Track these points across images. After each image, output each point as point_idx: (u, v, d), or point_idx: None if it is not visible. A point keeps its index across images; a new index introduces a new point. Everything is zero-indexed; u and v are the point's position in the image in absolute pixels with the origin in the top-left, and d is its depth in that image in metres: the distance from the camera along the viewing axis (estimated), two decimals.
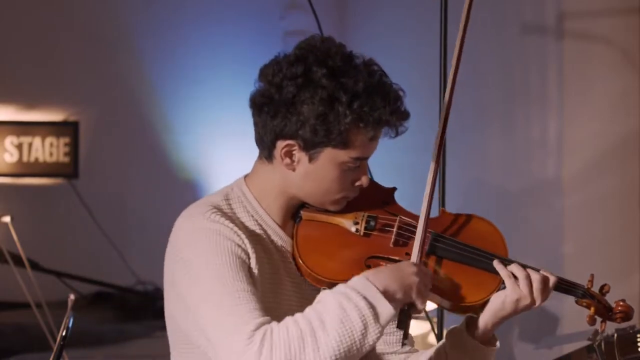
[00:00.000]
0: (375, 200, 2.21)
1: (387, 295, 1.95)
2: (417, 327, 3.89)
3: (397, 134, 2.12)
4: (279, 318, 2.00)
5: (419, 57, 5.18)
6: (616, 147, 4.46)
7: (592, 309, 2.19)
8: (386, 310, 1.93)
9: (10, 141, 5.95)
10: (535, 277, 2.11)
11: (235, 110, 5.74)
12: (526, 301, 2.11)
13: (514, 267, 2.13)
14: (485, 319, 2.13)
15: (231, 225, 2.06)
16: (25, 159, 5.96)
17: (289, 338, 1.91)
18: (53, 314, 4.16)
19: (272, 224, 2.15)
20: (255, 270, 2.06)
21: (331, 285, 2.07)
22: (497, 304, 2.12)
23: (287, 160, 2.09)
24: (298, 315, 1.95)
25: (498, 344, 2.18)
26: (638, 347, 2.80)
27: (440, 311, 2.94)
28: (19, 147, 5.96)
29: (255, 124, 2.13)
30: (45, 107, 6.02)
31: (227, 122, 5.86)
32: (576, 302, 2.21)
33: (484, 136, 5.00)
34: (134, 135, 6.07)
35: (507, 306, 2.11)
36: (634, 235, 4.44)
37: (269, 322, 1.95)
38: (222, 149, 5.88)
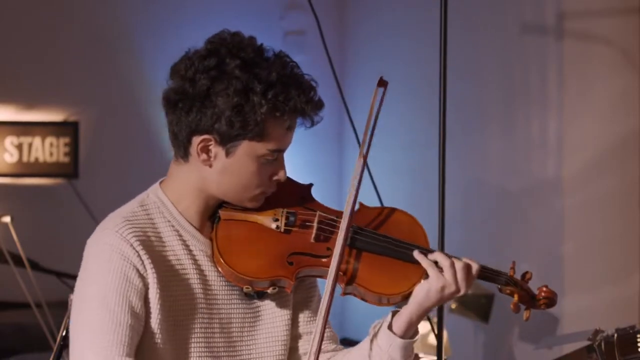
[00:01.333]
0: (293, 196, 2.19)
1: None
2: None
3: (312, 124, 2.11)
4: (197, 325, 2.04)
5: (419, 57, 5.18)
6: (616, 147, 4.46)
7: (516, 296, 2.19)
8: None
9: (10, 141, 5.95)
10: (459, 265, 2.10)
11: None
12: (451, 289, 2.09)
13: (436, 256, 2.12)
14: (410, 310, 2.11)
15: (137, 244, 2.04)
16: (25, 159, 5.96)
17: None
18: (53, 314, 4.16)
19: (190, 228, 2.13)
20: (156, 294, 2.03)
21: (253, 283, 2.08)
22: (422, 294, 2.10)
23: (204, 155, 2.08)
24: None
25: (418, 336, 2.15)
26: (638, 347, 2.80)
27: (440, 311, 2.93)
28: (19, 147, 5.96)
29: (169, 123, 2.11)
30: (45, 107, 6.02)
31: None
32: (499, 289, 2.20)
33: (484, 136, 5.00)
34: (134, 135, 6.06)
35: (432, 295, 2.10)
36: (634, 235, 4.44)
37: None
38: None
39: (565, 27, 4.58)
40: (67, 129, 5.99)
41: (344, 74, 5.59)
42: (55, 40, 5.95)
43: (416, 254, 2.13)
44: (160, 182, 2.19)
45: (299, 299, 2.23)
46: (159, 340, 2.04)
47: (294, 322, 2.22)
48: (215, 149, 2.07)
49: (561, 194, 4.59)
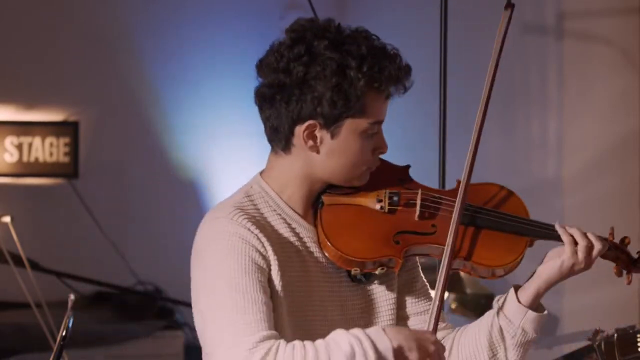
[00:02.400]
0: (392, 178, 2.23)
1: (400, 353, 1.95)
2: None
3: (405, 90, 2.15)
4: (311, 310, 2.06)
5: (419, 57, 5.17)
6: (616, 147, 4.46)
7: (618, 261, 2.24)
8: None
9: (10, 141, 5.94)
10: (597, 246, 2.15)
11: (235, 110, 5.74)
12: (580, 266, 2.14)
13: (574, 232, 2.16)
14: (538, 283, 2.15)
15: (253, 228, 2.06)
16: (25, 159, 5.96)
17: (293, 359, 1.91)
18: (53, 314, 4.16)
19: (295, 216, 2.15)
20: (278, 276, 2.06)
21: (362, 264, 2.10)
22: (554, 269, 2.14)
23: (311, 142, 2.10)
24: (308, 343, 1.95)
25: (546, 311, 2.17)
26: (638, 347, 2.80)
27: (438, 311, 2.92)
28: (19, 147, 5.96)
29: (267, 118, 2.12)
30: (45, 107, 6.01)
31: (228, 121, 5.86)
32: (601, 256, 2.21)
33: (483, 136, 4.99)
34: (134, 135, 6.06)
35: (564, 270, 2.14)
36: (634, 235, 4.43)
37: (276, 338, 1.96)
38: (222, 149, 5.87)
39: (565, 27, 4.57)
40: (67, 129, 5.99)
41: None
42: (55, 40, 5.94)
43: (558, 227, 2.18)
44: (261, 173, 2.19)
45: (403, 281, 2.25)
46: (280, 321, 2.05)
47: (400, 304, 2.24)
48: (320, 133, 2.09)
49: (561, 194, 4.59)
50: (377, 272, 2.14)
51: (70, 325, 2.67)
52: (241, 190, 2.17)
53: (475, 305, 4.42)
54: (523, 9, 4.82)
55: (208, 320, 2.02)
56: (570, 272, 2.14)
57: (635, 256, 2.25)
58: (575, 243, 2.14)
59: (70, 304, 2.67)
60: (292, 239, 2.12)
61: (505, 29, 2.24)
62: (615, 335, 2.83)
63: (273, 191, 2.15)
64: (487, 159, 4.99)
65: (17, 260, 4.31)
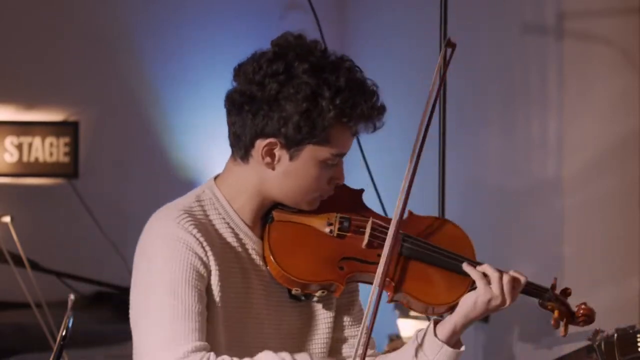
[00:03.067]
0: (345, 201, 2.20)
1: None
2: (418, 326, 3.89)
3: (374, 129, 2.13)
4: (247, 322, 2.05)
5: (419, 57, 5.18)
6: (616, 147, 4.46)
7: (557, 312, 2.21)
8: None
9: (10, 141, 5.95)
10: (507, 278, 2.11)
11: None
12: (497, 301, 2.11)
13: (485, 268, 2.13)
14: (454, 320, 2.12)
15: (199, 235, 2.05)
16: (25, 159, 5.96)
17: None
18: (53, 314, 4.16)
19: (243, 226, 2.14)
20: (217, 284, 2.05)
21: (304, 286, 2.10)
22: (469, 304, 2.11)
23: (268, 159, 2.09)
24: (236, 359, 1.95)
25: (463, 347, 2.16)
26: (638, 347, 2.79)
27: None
28: (19, 147, 5.96)
29: (232, 124, 2.12)
30: (45, 107, 6.02)
31: None
32: (540, 304, 2.21)
33: (483, 136, 5.00)
34: (134, 135, 6.06)
35: (479, 307, 2.11)
36: (634, 235, 4.43)
37: (207, 350, 1.96)
38: (222, 149, 5.86)
39: (565, 27, 4.57)
40: (67, 129, 5.99)
41: None
42: (55, 40, 5.95)
43: (465, 266, 2.15)
44: (215, 178, 2.20)
45: (343, 302, 2.25)
46: (214, 331, 2.05)
47: (337, 325, 2.24)
48: (279, 153, 2.08)
49: (561, 194, 4.59)
50: (317, 294, 2.14)
51: (70, 325, 2.66)
52: (193, 194, 2.17)
53: None
54: (523, 9, 4.82)
55: (142, 319, 2.02)
56: (487, 307, 2.11)
57: (574, 309, 2.23)
58: (486, 277, 2.12)
59: (70, 304, 2.66)
60: (238, 249, 2.12)
61: (444, 66, 2.19)
62: (615, 335, 2.82)
63: (224, 199, 2.15)
64: (487, 159, 5.00)
65: (17, 260, 4.32)
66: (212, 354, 1.95)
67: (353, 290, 2.27)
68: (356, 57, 2.18)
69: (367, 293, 2.12)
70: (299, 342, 2.17)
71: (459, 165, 4.69)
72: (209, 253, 2.05)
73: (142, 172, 6.03)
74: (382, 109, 2.12)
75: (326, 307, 2.21)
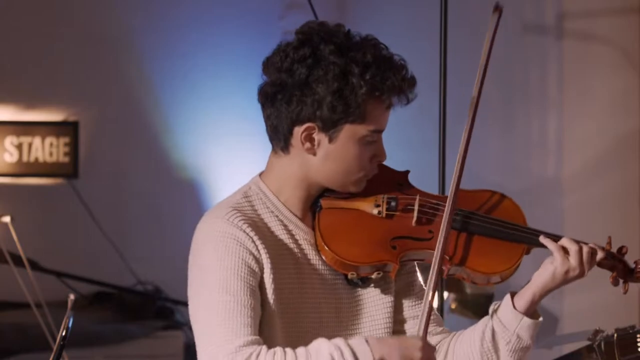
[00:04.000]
0: (391, 183, 2.23)
1: None
2: None
3: (407, 102, 2.15)
4: (304, 313, 2.07)
5: (419, 57, 5.17)
6: (616, 147, 4.46)
7: (615, 270, 2.21)
8: None
9: (10, 141, 5.95)
10: (586, 249, 2.14)
11: (235, 110, 5.75)
12: (575, 272, 2.13)
13: (564, 241, 2.15)
14: (532, 291, 2.14)
15: (249, 230, 2.08)
16: (25, 159, 5.96)
17: None
18: (53, 314, 4.15)
19: (293, 218, 2.16)
20: (270, 279, 2.07)
21: (359, 269, 2.12)
22: (547, 276, 2.13)
23: (308, 144, 2.11)
24: (289, 350, 1.98)
25: (541, 318, 2.18)
26: (638, 347, 2.79)
27: (440, 311, 2.93)
28: (19, 147, 5.96)
29: (268, 117, 2.14)
30: (45, 107, 6.02)
31: (228, 121, 5.86)
32: (598, 264, 2.21)
33: (483, 135, 5.00)
34: (134, 135, 6.06)
35: (557, 278, 2.13)
36: (634, 235, 4.43)
37: (259, 343, 1.98)
38: (222, 149, 5.88)
39: (565, 27, 4.58)
40: (67, 129, 5.99)
41: None
42: (55, 41, 5.95)
43: (542, 239, 2.17)
44: (260, 174, 2.21)
45: (401, 285, 2.25)
46: (269, 324, 2.07)
47: (397, 308, 2.24)
48: (318, 136, 2.10)
49: (561, 193, 4.59)
50: (373, 276, 2.15)
51: (70, 325, 2.67)
52: (240, 191, 2.18)
53: (475, 306, 4.42)
54: (523, 9, 4.83)
55: (198, 317, 2.05)
56: (565, 278, 2.13)
57: (632, 266, 2.24)
58: (565, 249, 2.14)
59: (70, 304, 2.66)
60: (288, 241, 2.13)
61: (493, 33, 2.23)
62: (615, 335, 2.83)
63: (271, 192, 2.16)
64: (487, 158, 5.00)
65: (17, 260, 4.31)
66: (264, 347, 1.97)
67: (410, 271, 2.27)
68: None
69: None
70: (360, 329, 2.17)
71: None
72: (260, 248, 2.07)
73: (142, 172, 6.03)
74: (412, 80, 2.14)
75: (385, 291, 2.21)
